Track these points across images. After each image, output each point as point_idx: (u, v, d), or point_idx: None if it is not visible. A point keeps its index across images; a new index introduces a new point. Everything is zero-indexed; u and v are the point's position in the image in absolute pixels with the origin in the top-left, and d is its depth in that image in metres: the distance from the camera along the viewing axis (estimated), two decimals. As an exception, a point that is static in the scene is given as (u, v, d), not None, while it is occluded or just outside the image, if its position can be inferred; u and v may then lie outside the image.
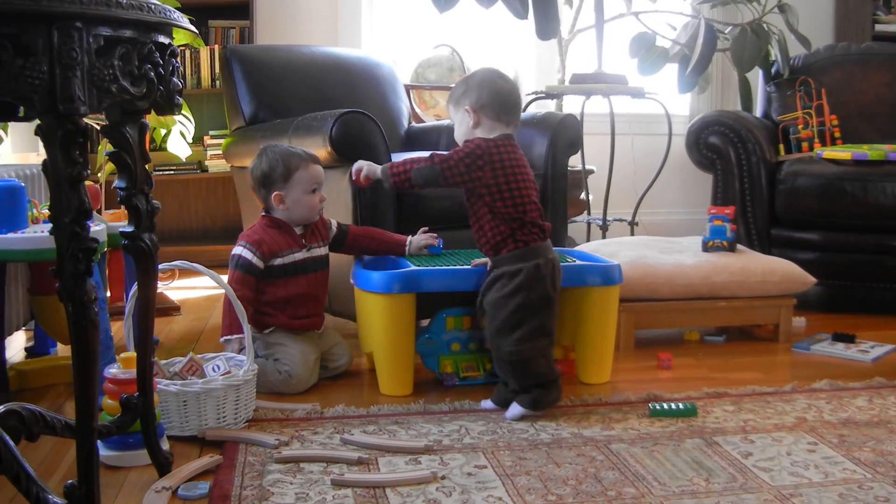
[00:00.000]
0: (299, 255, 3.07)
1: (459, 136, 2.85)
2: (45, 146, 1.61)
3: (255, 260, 2.99)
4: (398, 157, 2.91)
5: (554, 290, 2.75)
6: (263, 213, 3.12)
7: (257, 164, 3.11)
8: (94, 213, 2.79)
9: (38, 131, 1.61)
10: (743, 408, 2.80)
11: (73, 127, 1.59)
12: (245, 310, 2.73)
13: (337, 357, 3.15)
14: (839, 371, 3.23)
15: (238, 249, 3.02)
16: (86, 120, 1.63)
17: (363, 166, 2.93)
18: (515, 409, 2.71)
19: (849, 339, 3.59)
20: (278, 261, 3.03)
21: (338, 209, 3.36)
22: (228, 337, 2.91)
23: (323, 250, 3.15)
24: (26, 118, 1.64)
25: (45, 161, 1.63)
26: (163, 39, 1.85)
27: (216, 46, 5.49)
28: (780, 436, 2.55)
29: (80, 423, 1.76)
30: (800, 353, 3.52)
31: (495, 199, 2.71)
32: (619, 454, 2.40)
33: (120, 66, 1.68)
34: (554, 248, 2.83)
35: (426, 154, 2.79)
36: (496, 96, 2.78)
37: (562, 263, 2.85)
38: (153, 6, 1.74)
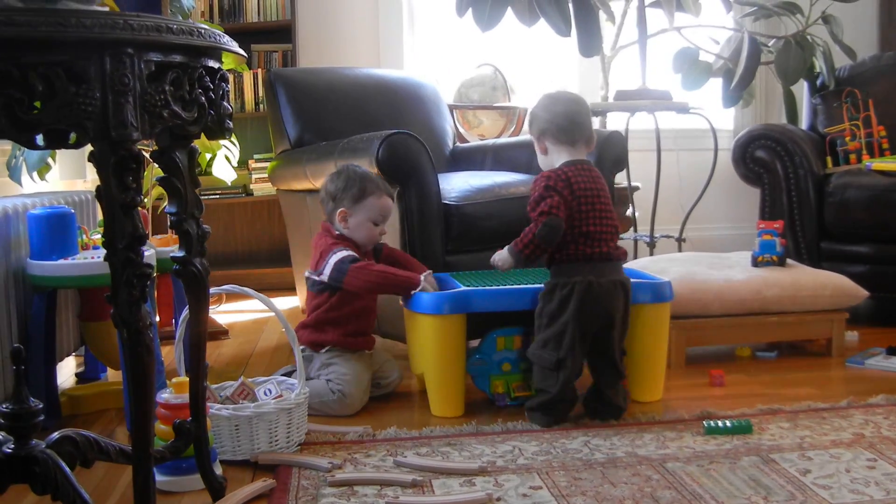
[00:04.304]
0: None
1: (539, 165, 2.99)
2: (99, 172, 1.62)
3: (354, 253, 3.02)
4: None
5: (606, 315, 2.80)
6: (325, 232, 3.14)
7: (334, 178, 3.13)
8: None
9: (92, 158, 1.62)
10: (799, 424, 2.76)
11: (127, 153, 1.60)
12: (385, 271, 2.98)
13: (388, 374, 3.16)
14: (895, 386, 3.18)
15: (335, 256, 3.00)
16: (136, 145, 1.63)
17: (498, 261, 2.91)
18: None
19: (904, 352, 3.54)
20: None
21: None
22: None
23: None
24: (77, 145, 1.65)
25: (98, 187, 1.64)
26: (212, 64, 1.85)
27: (259, 70, 5.53)
28: (839, 452, 2.51)
29: (136, 449, 1.76)
30: (853, 367, 3.47)
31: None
32: (675, 473, 2.37)
33: (171, 91, 1.69)
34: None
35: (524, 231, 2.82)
36: (551, 120, 2.89)
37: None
38: (203, 31, 1.74)
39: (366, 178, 3.10)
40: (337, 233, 3.12)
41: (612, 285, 2.79)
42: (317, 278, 3.07)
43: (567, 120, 2.89)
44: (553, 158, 2.91)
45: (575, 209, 2.79)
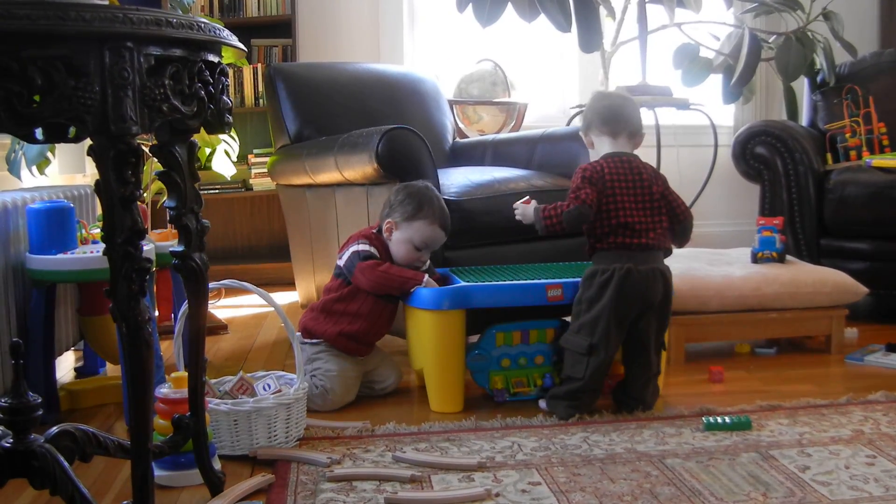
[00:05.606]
0: None
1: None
2: (98, 167, 1.61)
3: (372, 249, 3.00)
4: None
5: (644, 302, 2.83)
6: (370, 227, 3.15)
7: (401, 189, 3.08)
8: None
9: (91, 152, 1.61)
10: (798, 420, 2.76)
11: (126, 147, 1.59)
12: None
13: (383, 377, 3.13)
14: (895, 382, 3.18)
15: (354, 247, 3.02)
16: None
17: (520, 212, 3.02)
18: (542, 402, 2.94)
19: (903, 349, 3.53)
20: None
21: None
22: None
23: None
24: (76, 139, 1.64)
25: (97, 181, 1.63)
26: (212, 58, 1.84)
27: (259, 65, 5.52)
28: (838, 449, 2.51)
29: (134, 443, 1.76)
30: (853, 364, 3.47)
31: (600, 210, 2.86)
32: (675, 469, 2.37)
33: (171, 86, 1.68)
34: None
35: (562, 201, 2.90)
36: (596, 114, 2.99)
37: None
38: (203, 25, 1.74)
39: (426, 202, 3.02)
40: (374, 232, 3.09)
41: (652, 273, 2.83)
42: (338, 261, 3.08)
43: (609, 112, 2.97)
44: (598, 151, 3.00)
45: (610, 200, 2.85)
